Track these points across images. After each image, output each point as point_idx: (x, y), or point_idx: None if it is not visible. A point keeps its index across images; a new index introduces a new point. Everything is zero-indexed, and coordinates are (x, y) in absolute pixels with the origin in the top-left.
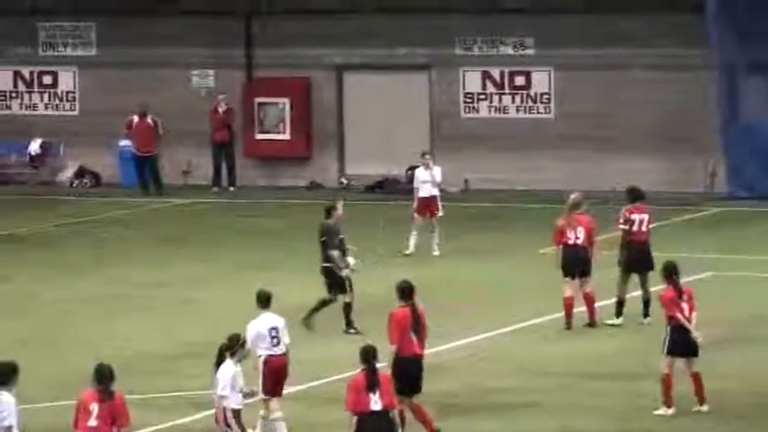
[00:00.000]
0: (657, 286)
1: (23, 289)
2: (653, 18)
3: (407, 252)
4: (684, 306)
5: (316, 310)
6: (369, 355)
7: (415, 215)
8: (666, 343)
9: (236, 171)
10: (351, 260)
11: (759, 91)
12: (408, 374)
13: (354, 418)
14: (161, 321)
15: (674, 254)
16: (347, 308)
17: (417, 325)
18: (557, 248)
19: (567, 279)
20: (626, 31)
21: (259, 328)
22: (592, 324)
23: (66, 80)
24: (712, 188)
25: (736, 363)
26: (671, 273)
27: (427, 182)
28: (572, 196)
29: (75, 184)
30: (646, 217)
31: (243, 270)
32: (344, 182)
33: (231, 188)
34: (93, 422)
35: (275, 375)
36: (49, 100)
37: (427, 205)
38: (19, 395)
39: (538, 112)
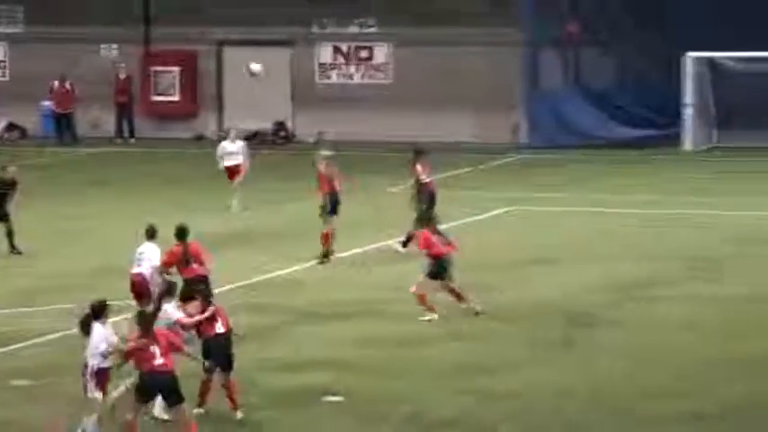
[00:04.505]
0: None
1: None
2: (472, 3)
3: (234, 211)
4: (437, 241)
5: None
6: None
7: (230, 181)
8: (430, 269)
9: (134, 125)
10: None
11: (555, 63)
12: (198, 286)
13: (201, 340)
14: (88, 247)
15: (485, 192)
16: (9, 234)
17: (189, 256)
18: (323, 193)
19: (331, 217)
20: (450, 14)
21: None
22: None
23: None
24: (516, 140)
25: (538, 280)
26: (427, 221)
27: (232, 153)
28: (322, 153)
29: (5, 137)
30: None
31: (145, 205)
32: (222, 134)
33: (131, 139)
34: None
35: (132, 287)
36: None
37: (232, 172)
38: None
39: (378, 79)
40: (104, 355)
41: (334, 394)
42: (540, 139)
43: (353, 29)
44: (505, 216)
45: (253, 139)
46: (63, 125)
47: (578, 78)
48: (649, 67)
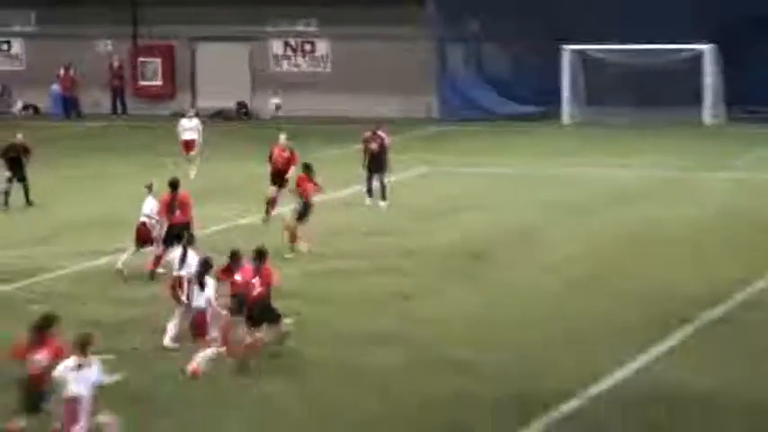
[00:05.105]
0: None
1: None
2: (392, 7)
3: (192, 177)
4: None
5: None
6: (259, 254)
7: (184, 152)
8: (301, 210)
9: (126, 104)
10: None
11: (459, 54)
12: (178, 232)
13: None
14: (90, 200)
15: (406, 156)
16: (26, 191)
17: (175, 204)
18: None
19: (271, 186)
20: (375, 14)
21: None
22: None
23: (17, 47)
24: (429, 115)
25: (446, 226)
26: (308, 169)
27: (189, 129)
28: (281, 136)
29: (22, 114)
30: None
31: (136, 166)
32: (197, 112)
33: (124, 116)
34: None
35: (137, 234)
36: (6, 59)
37: (188, 145)
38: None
39: (320, 68)
40: (211, 303)
41: (286, 317)
42: (449, 114)
43: (300, 27)
44: (421, 175)
45: (220, 115)
46: (69, 104)
47: (479, 66)
48: (536, 57)
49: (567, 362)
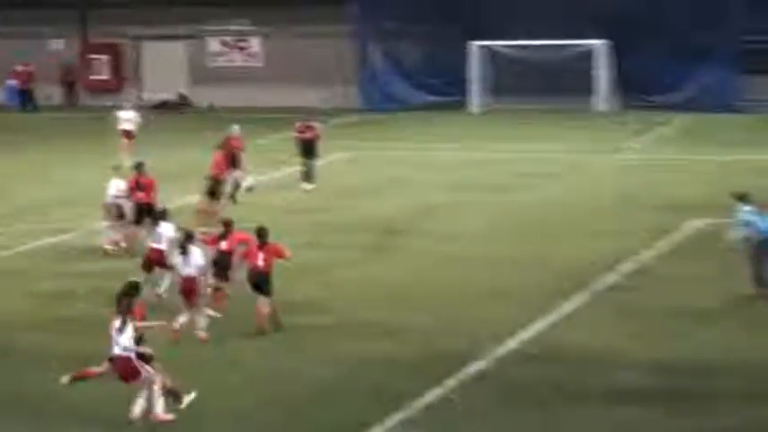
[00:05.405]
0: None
1: None
2: (319, 7)
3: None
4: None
5: None
6: (261, 231)
7: (123, 140)
8: (211, 186)
9: (78, 97)
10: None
11: (378, 50)
12: (143, 210)
13: (245, 268)
14: (48, 182)
15: (331, 142)
16: None
17: (141, 185)
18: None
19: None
20: (303, 14)
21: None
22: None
23: None
24: (351, 105)
25: (366, 204)
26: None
27: (126, 120)
28: (235, 126)
29: None
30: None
31: (87, 153)
32: (141, 102)
33: (75, 107)
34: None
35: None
36: None
37: (127, 135)
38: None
39: (253, 63)
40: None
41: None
42: (369, 104)
43: (234, 26)
44: (345, 160)
45: (162, 106)
46: (25, 98)
47: (397, 61)
48: (447, 53)
49: (476, 326)
